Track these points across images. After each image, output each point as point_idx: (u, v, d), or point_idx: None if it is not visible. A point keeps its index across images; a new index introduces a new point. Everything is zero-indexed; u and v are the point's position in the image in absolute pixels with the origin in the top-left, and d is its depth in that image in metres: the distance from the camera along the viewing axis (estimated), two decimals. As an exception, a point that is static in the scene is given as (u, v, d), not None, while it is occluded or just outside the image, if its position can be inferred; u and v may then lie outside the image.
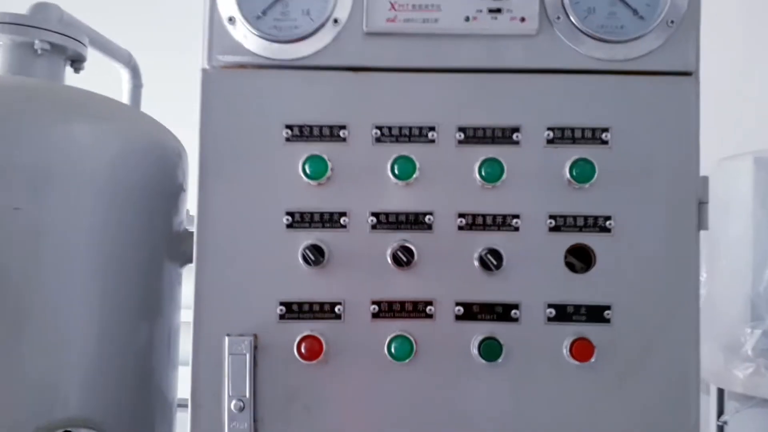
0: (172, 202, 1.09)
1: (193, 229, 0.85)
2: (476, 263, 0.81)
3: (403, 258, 0.80)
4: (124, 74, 1.47)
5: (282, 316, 0.81)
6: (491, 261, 0.79)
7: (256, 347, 0.80)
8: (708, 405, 1.86)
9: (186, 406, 0.93)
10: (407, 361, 0.80)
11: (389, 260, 0.81)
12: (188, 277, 1.09)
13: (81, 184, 0.94)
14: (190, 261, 1.13)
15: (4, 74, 1.10)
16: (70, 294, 0.93)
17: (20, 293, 0.89)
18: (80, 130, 0.95)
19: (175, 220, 1.10)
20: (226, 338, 0.80)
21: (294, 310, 0.81)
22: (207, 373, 0.81)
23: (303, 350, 0.80)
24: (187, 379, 0.90)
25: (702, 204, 0.83)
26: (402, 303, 0.81)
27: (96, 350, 0.96)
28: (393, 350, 0.80)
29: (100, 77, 1.22)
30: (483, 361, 0.80)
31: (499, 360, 0.79)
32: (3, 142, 0.89)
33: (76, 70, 1.27)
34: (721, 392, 1.90)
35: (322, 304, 0.81)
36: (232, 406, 0.79)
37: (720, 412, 1.89)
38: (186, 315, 1.12)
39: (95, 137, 0.96)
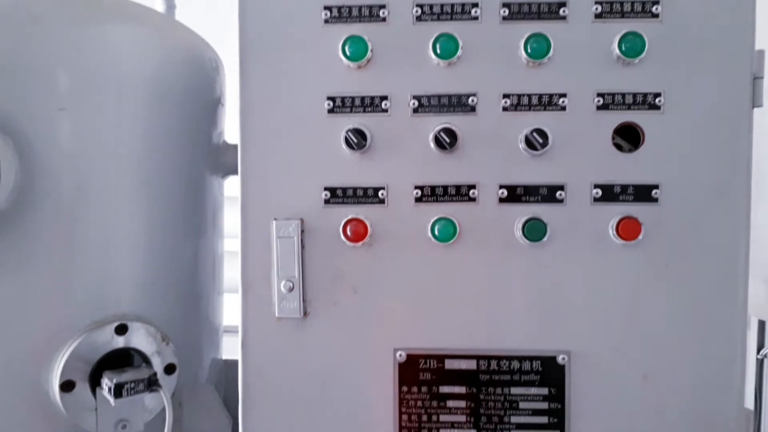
0: (211, 115, 1.09)
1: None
2: (521, 144, 0.80)
3: (446, 140, 0.79)
4: (157, -3, 1.46)
5: (327, 201, 0.82)
6: (537, 139, 0.78)
7: (302, 231, 0.82)
8: (749, 339, 1.85)
9: (232, 331, 0.97)
10: (450, 242, 0.81)
11: (431, 144, 0.80)
12: (230, 209, 1.11)
13: (123, 89, 0.94)
14: (231, 173, 1.15)
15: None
16: (116, 196, 0.96)
17: (70, 195, 0.91)
18: (120, 34, 0.95)
19: (215, 132, 1.11)
20: (274, 222, 0.82)
21: (338, 195, 0.82)
22: (255, 257, 0.83)
23: (348, 233, 0.81)
24: (231, 306, 0.92)
25: (757, 79, 0.79)
26: (445, 187, 0.81)
27: (145, 252, 0.99)
28: (436, 232, 0.81)
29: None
30: (527, 242, 0.80)
31: (543, 240, 0.80)
32: (45, 41, 0.89)
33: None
34: (762, 327, 1.88)
35: (365, 189, 0.82)
36: (282, 287, 0.82)
37: (760, 346, 1.88)
38: (229, 244, 1.15)
39: (135, 43, 0.96)
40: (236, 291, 0.85)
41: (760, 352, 1.88)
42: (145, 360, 1.02)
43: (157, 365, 1.02)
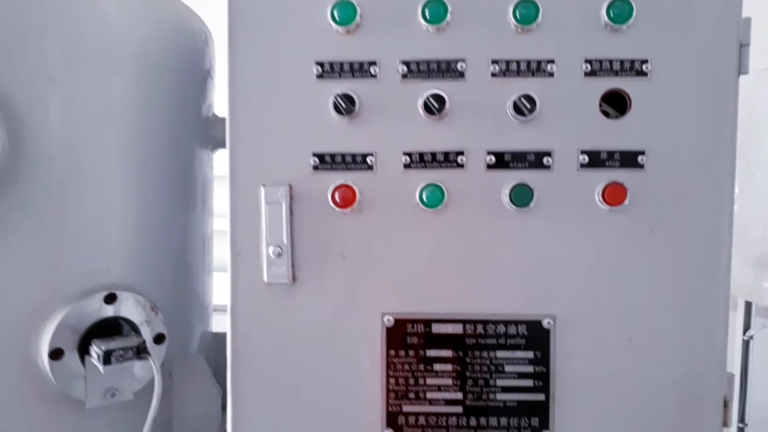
0: (200, 87, 1.08)
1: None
2: (509, 110, 0.80)
3: (435, 106, 0.79)
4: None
5: (315, 167, 0.82)
6: (525, 105, 0.78)
7: (291, 197, 0.82)
8: (735, 320, 1.89)
9: (221, 310, 0.97)
10: (438, 208, 0.81)
11: (420, 110, 0.80)
12: (220, 186, 1.11)
13: (112, 59, 0.93)
14: (221, 146, 1.15)
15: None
16: (107, 167, 0.95)
17: (61, 165, 0.91)
18: (109, 4, 0.93)
19: (204, 104, 1.10)
20: (262, 188, 0.82)
21: (327, 161, 0.82)
22: (244, 223, 0.83)
23: (337, 198, 0.81)
24: (221, 285, 0.93)
25: (743, 46, 0.80)
26: (433, 154, 0.82)
27: (135, 222, 0.99)
28: (424, 198, 0.81)
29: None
30: (514, 208, 0.81)
31: (530, 205, 0.80)
32: (34, 10, 0.88)
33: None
34: (748, 308, 1.91)
35: (354, 155, 0.82)
36: (270, 253, 0.82)
37: (746, 327, 1.91)
38: (219, 223, 1.15)
39: (125, 13, 0.95)
40: (225, 270, 0.86)
41: (746, 333, 1.91)
42: (135, 329, 1.02)
43: (147, 334, 1.02)
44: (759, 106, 1.57)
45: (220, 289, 1.10)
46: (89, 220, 0.95)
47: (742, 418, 1.94)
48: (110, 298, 0.99)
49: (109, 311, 0.99)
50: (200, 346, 1.20)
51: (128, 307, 1.01)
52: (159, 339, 1.05)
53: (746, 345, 1.92)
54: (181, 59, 1.03)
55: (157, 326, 1.04)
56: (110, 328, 1.00)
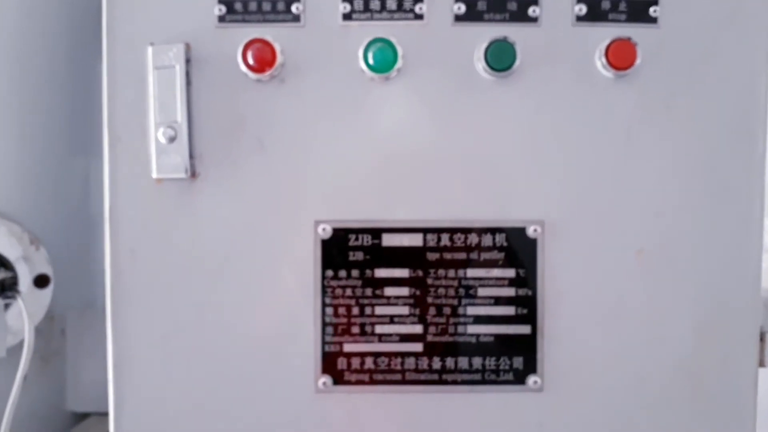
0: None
1: None
2: (482, -59, 0.60)
3: (383, -71, 0.59)
4: None
5: (221, 18, 0.61)
6: (503, -72, 0.58)
7: (188, 60, 0.60)
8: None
9: None
10: (389, 73, 0.61)
11: (365, -61, 0.60)
12: None
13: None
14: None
15: None
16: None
17: None
18: None
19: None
20: (150, 48, 0.60)
21: (237, 10, 0.61)
22: (126, 97, 0.61)
23: (250, 59, 0.60)
24: None
25: None
26: (383, 0, 0.61)
27: (17, 148, 0.81)
28: (370, 60, 0.60)
29: None
30: (490, 74, 0.60)
31: (512, 69, 0.60)
32: None
33: None
34: None
35: (274, 2, 0.61)
36: (161, 136, 0.60)
37: None
38: None
39: None
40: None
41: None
42: (8, 268, 0.80)
43: (24, 274, 0.81)
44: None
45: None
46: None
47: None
48: (-31, 222, 0.77)
49: (-33, 238, 0.77)
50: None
51: (-2, 237, 0.79)
52: (41, 281, 0.83)
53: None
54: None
55: (39, 265, 0.83)
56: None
